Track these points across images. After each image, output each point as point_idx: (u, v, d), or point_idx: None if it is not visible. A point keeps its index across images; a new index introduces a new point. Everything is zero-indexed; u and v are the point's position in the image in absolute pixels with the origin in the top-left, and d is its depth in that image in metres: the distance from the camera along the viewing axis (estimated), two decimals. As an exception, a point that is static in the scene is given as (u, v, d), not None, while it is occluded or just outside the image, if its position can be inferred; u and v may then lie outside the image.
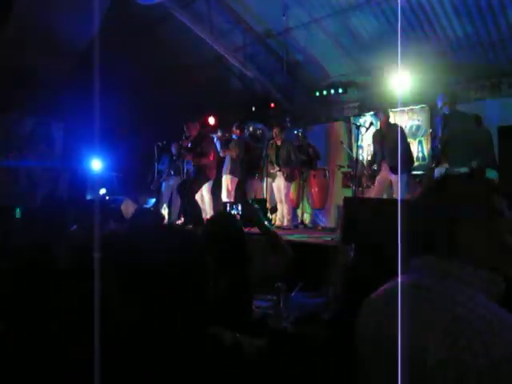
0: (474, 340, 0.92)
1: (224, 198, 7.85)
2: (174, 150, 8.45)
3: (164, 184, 8.43)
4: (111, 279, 1.33)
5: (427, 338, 0.98)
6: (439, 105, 5.63)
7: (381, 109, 6.42)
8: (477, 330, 0.93)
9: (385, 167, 6.18)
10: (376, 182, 6.40)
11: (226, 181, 7.95)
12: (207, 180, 7.15)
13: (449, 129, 5.51)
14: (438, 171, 5.73)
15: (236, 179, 8.02)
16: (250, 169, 8.20)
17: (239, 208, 6.39)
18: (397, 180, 6.09)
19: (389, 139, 6.17)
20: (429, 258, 1.13)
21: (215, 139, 7.85)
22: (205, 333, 1.22)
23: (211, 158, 6.95)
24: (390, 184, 6.28)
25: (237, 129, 8.04)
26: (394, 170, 6.09)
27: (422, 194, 1.26)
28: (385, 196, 6.32)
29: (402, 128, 6.55)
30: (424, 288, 1.07)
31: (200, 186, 7.07)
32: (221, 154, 7.85)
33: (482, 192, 1.15)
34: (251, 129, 8.17)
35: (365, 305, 1.25)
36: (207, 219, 2.59)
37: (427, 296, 1.05)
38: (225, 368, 1.18)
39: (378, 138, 6.35)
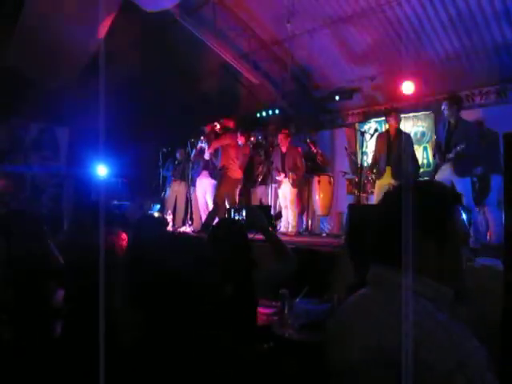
0: (428, 354, 0.95)
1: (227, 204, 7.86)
2: (178, 155, 8.47)
3: (168, 190, 8.44)
4: (116, 288, 1.33)
5: (388, 348, 1.00)
6: (445, 113, 5.62)
7: (392, 114, 6.36)
8: (430, 344, 0.96)
9: (388, 173, 6.14)
10: (377, 188, 6.33)
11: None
12: (235, 182, 7.30)
13: (453, 137, 5.49)
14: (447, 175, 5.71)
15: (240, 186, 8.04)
16: (251, 176, 8.22)
17: (243, 214, 6.38)
18: None
19: (396, 146, 6.13)
20: (382, 269, 1.14)
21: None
22: (205, 338, 1.21)
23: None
24: None
25: (241, 135, 8.01)
26: (397, 178, 6.06)
27: (382, 203, 1.25)
28: None
29: (410, 136, 6.52)
30: (379, 299, 1.10)
31: (223, 190, 7.20)
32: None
33: (437, 205, 1.14)
34: (252, 139, 8.22)
35: (333, 316, 1.29)
36: (212, 225, 2.59)
37: (382, 307, 1.07)
38: (226, 376, 1.18)
39: (385, 142, 6.28)
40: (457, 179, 5.45)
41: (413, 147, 6.42)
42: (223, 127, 7.35)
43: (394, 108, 6.70)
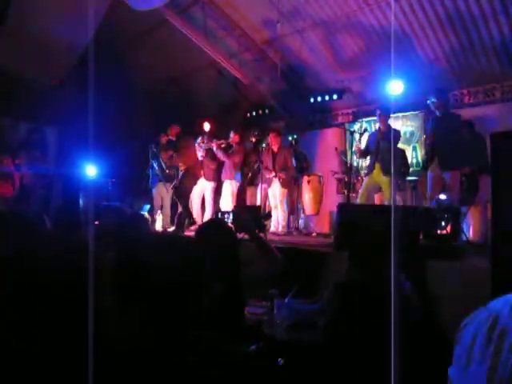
0: None
1: (229, 203, 7.86)
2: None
3: (154, 190, 8.38)
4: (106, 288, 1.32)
5: None
6: (431, 106, 5.64)
7: (382, 111, 6.38)
8: None
9: (378, 169, 6.14)
10: (365, 186, 6.29)
11: (231, 186, 7.97)
12: (195, 180, 7.31)
13: (440, 131, 5.52)
14: (430, 175, 5.74)
15: (238, 184, 8.06)
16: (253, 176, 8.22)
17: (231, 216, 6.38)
18: (387, 183, 6.06)
19: (385, 142, 6.14)
20: None
21: (214, 148, 7.84)
22: (199, 340, 1.21)
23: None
24: (379, 188, 6.24)
25: (235, 134, 8.00)
26: (386, 173, 6.07)
27: None
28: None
29: (399, 132, 6.54)
30: None
31: (189, 188, 7.16)
32: (224, 159, 7.91)
33: None
34: (253, 139, 8.26)
35: None
36: (198, 225, 2.58)
37: None
38: (218, 375, 1.17)
39: (375, 140, 6.28)
40: (444, 172, 5.50)
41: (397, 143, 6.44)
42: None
43: (382, 106, 6.69)
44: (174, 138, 7.34)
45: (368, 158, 6.49)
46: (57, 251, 1.40)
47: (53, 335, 1.21)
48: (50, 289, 1.26)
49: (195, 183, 7.61)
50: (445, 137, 5.46)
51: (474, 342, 0.82)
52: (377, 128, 6.59)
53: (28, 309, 1.24)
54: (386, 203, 6.15)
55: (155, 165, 8.33)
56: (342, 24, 7.45)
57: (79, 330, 1.07)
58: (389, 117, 6.41)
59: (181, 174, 7.34)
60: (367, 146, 6.48)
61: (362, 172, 7.64)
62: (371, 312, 1.85)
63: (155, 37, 8.28)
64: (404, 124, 8.36)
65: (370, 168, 6.30)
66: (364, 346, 1.81)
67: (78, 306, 1.15)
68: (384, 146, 6.12)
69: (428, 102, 5.69)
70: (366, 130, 7.12)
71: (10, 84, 7.62)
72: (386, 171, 6.06)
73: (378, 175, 6.15)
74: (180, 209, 7.41)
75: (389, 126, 6.38)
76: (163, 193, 8.29)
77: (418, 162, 8.07)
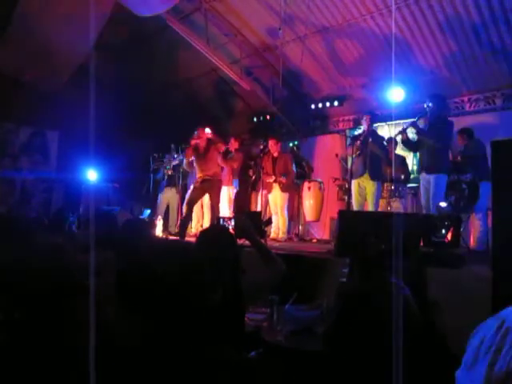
0: None
1: (226, 208, 7.85)
2: (167, 160, 8.43)
3: (160, 195, 8.39)
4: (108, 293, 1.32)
5: None
6: (427, 110, 5.65)
7: (363, 117, 6.34)
8: None
9: (366, 174, 6.12)
10: (355, 191, 6.23)
11: (228, 192, 7.96)
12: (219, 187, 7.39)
13: (433, 136, 5.51)
14: (423, 178, 5.73)
15: (235, 190, 8.06)
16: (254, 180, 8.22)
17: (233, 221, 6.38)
18: (374, 189, 6.04)
19: (369, 148, 6.10)
20: None
21: None
22: (202, 348, 1.21)
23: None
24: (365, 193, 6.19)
25: (235, 141, 8.02)
26: (374, 178, 6.08)
27: None
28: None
29: (383, 138, 6.49)
30: None
31: (215, 196, 7.26)
32: (222, 165, 7.90)
33: None
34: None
35: None
36: (200, 231, 2.57)
37: None
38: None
39: (359, 145, 6.22)
40: (429, 177, 5.49)
41: (386, 150, 6.38)
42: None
43: (368, 111, 6.66)
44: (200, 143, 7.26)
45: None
46: (49, 259, 1.40)
47: (50, 343, 1.21)
48: (45, 297, 1.25)
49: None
50: (434, 141, 5.47)
51: (480, 345, 0.87)
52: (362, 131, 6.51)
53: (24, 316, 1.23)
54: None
55: (162, 170, 8.35)
56: (344, 31, 7.48)
57: (78, 339, 1.07)
58: (374, 122, 6.40)
59: (201, 182, 7.21)
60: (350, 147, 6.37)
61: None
62: (372, 319, 1.85)
63: (157, 42, 8.31)
64: (404, 131, 8.36)
65: (355, 172, 6.20)
66: (365, 353, 1.80)
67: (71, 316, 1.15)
68: (369, 151, 6.08)
69: (425, 106, 5.70)
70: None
71: (11, 88, 7.64)
72: (371, 176, 6.07)
73: (367, 179, 6.10)
74: (182, 215, 7.39)
75: (374, 132, 6.36)
76: (170, 198, 8.30)
77: (418, 169, 8.06)
